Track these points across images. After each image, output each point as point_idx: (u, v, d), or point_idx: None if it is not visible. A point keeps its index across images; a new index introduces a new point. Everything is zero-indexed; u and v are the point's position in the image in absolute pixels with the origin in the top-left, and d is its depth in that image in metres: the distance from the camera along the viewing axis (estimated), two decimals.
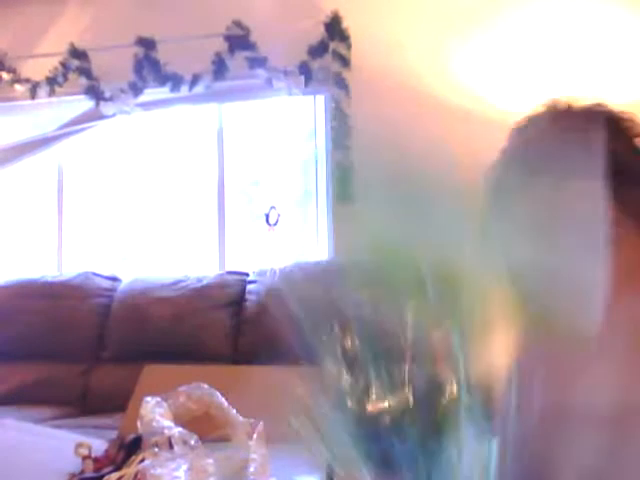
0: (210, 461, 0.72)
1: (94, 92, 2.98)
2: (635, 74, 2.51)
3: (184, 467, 0.69)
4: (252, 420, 0.83)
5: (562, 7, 2.64)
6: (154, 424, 0.76)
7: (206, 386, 0.86)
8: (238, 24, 2.83)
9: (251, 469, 0.75)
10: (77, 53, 3.01)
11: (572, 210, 0.67)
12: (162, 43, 2.93)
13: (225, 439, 0.83)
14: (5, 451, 0.88)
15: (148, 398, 0.82)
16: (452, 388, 0.51)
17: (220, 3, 2.96)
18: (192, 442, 0.74)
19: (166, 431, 0.75)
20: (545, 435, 0.70)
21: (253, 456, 0.76)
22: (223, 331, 2.57)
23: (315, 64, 2.79)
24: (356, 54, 2.78)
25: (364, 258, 0.63)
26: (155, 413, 0.79)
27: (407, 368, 0.52)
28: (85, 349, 2.69)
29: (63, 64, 3.02)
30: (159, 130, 3.37)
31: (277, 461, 0.79)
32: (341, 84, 2.77)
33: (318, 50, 2.77)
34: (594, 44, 2.59)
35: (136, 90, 2.95)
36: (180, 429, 0.75)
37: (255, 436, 0.80)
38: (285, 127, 3.24)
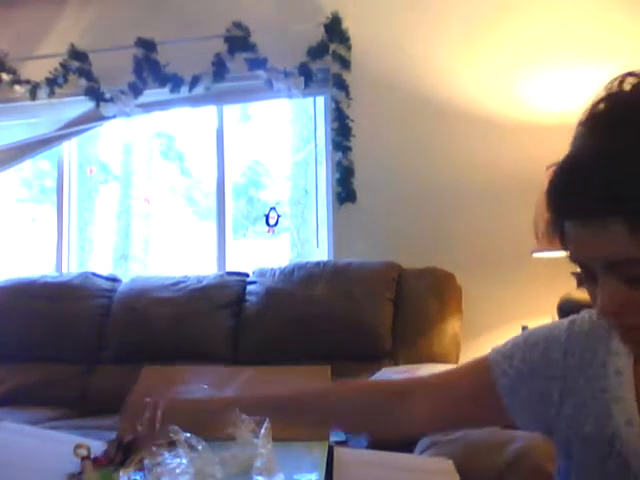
0: (217, 467, 0.72)
1: (94, 93, 2.98)
2: None
3: (192, 470, 0.69)
4: (257, 417, 0.83)
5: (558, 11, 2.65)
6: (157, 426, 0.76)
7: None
8: (238, 25, 2.83)
9: (258, 464, 0.75)
10: (77, 54, 3.01)
11: None
12: (162, 44, 2.93)
13: (229, 438, 0.83)
14: (3, 453, 0.88)
15: (148, 400, 0.82)
16: None
17: (220, 4, 2.96)
18: (199, 447, 0.74)
19: (171, 434, 0.75)
20: None
21: (261, 451, 0.76)
22: (223, 332, 2.57)
23: (315, 65, 2.79)
24: (356, 55, 2.79)
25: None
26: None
27: None
28: (85, 350, 2.69)
29: (63, 65, 3.02)
30: (159, 130, 3.37)
31: (277, 459, 0.79)
32: (341, 85, 2.77)
33: (318, 51, 2.77)
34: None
35: (136, 91, 2.95)
36: (187, 434, 0.74)
37: (262, 432, 0.80)
38: (285, 128, 3.24)
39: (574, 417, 0.77)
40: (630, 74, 0.64)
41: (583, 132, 0.65)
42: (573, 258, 0.67)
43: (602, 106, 0.65)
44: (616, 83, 0.65)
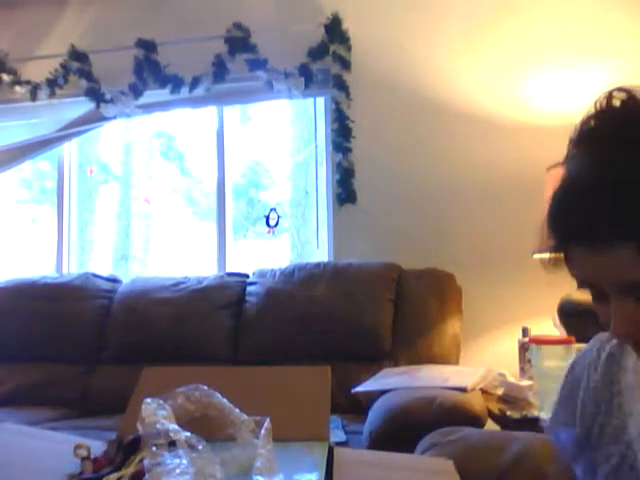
0: (218, 467, 0.71)
1: (94, 94, 2.99)
2: None
3: (192, 470, 0.68)
4: (258, 418, 0.83)
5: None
6: (158, 426, 0.76)
7: (205, 387, 0.86)
8: (238, 26, 2.83)
9: (258, 464, 0.75)
10: (78, 55, 3.02)
11: None
12: (162, 45, 2.93)
13: (230, 439, 0.82)
14: (3, 453, 0.88)
15: (148, 399, 0.82)
16: None
17: (220, 5, 2.97)
18: (200, 447, 0.73)
19: (172, 434, 0.75)
20: None
21: (261, 451, 0.76)
22: (223, 332, 2.57)
23: (315, 66, 2.79)
24: (356, 56, 2.79)
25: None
26: (158, 415, 0.78)
27: None
28: (85, 350, 2.69)
29: (64, 66, 3.02)
30: (160, 130, 3.37)
31: (277, 459, 0.79)
32: (341, 86, 2.77)
33: (318, 52, 2.77)
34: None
35: (136, 92, 2.96)
36: (188, 433, 0.74)
37: (263, 432, 0.80)
38: (285, 129, 3.24)
39: (599, 436, 0.78)
40: (618, 89, 0.64)
41: (577, 151, 0.65)
42: (580, 279, 0.66)
43: (592, 123, 0.64)
44: (604, 100, 0.64)
